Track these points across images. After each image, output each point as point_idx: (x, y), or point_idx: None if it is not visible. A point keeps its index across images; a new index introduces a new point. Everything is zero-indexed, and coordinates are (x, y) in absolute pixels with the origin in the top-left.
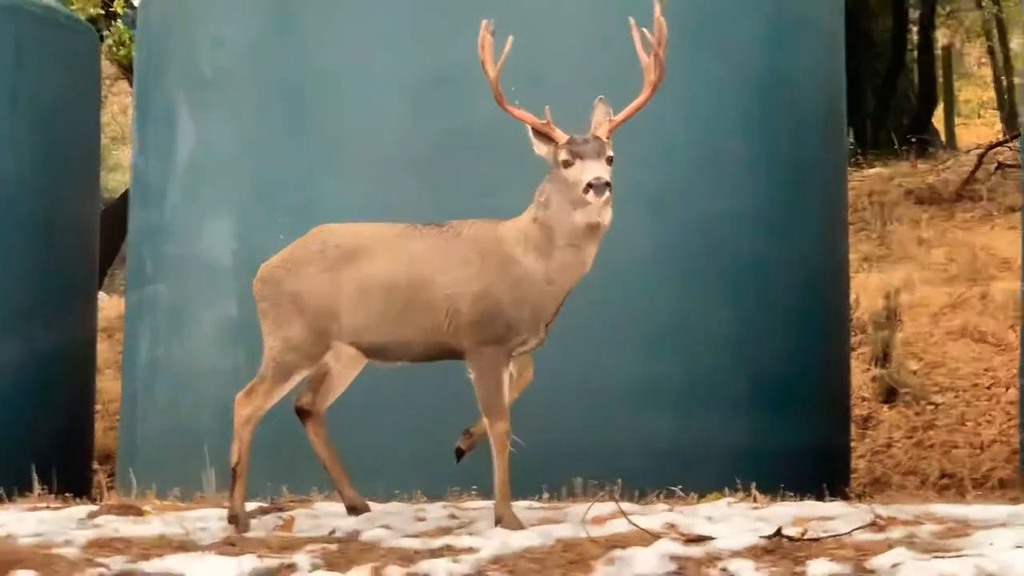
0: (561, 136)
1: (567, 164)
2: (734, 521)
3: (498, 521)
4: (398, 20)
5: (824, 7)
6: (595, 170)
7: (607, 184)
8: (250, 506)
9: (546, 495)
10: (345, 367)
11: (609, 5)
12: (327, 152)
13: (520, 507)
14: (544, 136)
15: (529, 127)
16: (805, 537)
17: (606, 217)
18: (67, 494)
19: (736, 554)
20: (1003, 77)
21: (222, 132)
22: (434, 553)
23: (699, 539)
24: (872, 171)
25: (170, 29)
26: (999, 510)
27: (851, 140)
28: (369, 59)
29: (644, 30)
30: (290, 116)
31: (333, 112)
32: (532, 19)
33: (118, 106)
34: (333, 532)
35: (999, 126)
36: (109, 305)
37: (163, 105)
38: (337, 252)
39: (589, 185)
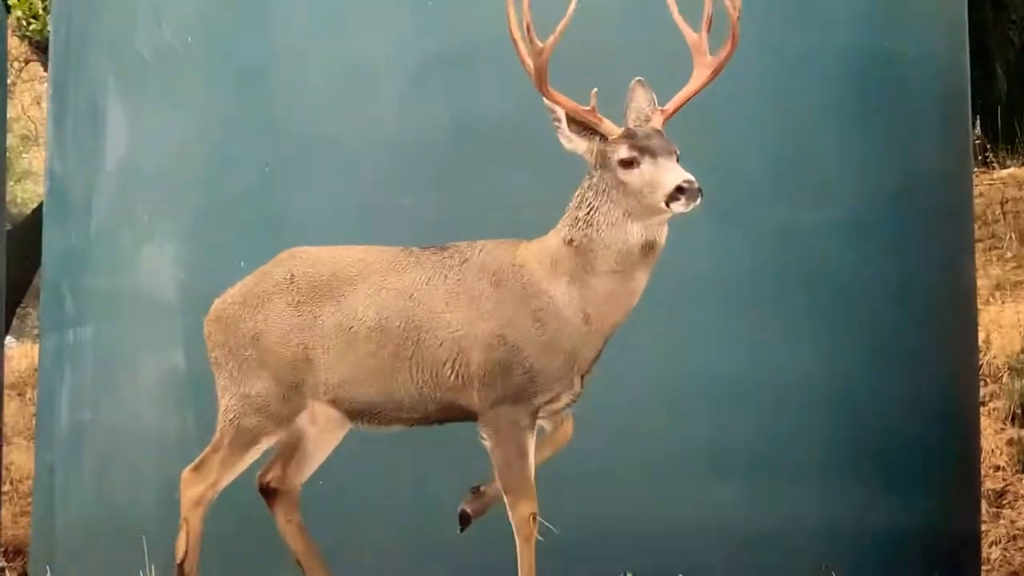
0: (612, 127)
1: (629, 164)
2: None
3: None
4: None
5: None
6: (681, 171)
7: (700, 190)
8: None
9: None
10: (323, 432)
11: None
12: (298, 153)
13: None
14: (585, 128)
15: (564, 115)
16: None
17: (663, 235)
18: None
19: None
20: None
21: (164, 129)
22: None
23: None
24: (1005, 172)
25: None
26: None
27: (977, 133)
28: (352, 34)
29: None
30: (251, 108)
31: (306, 102)
32: None
33: (29, 96)
34: None
35: None
36: (18, 354)
37: (87, 95)
38: (311, 283)
39: (679, 189)
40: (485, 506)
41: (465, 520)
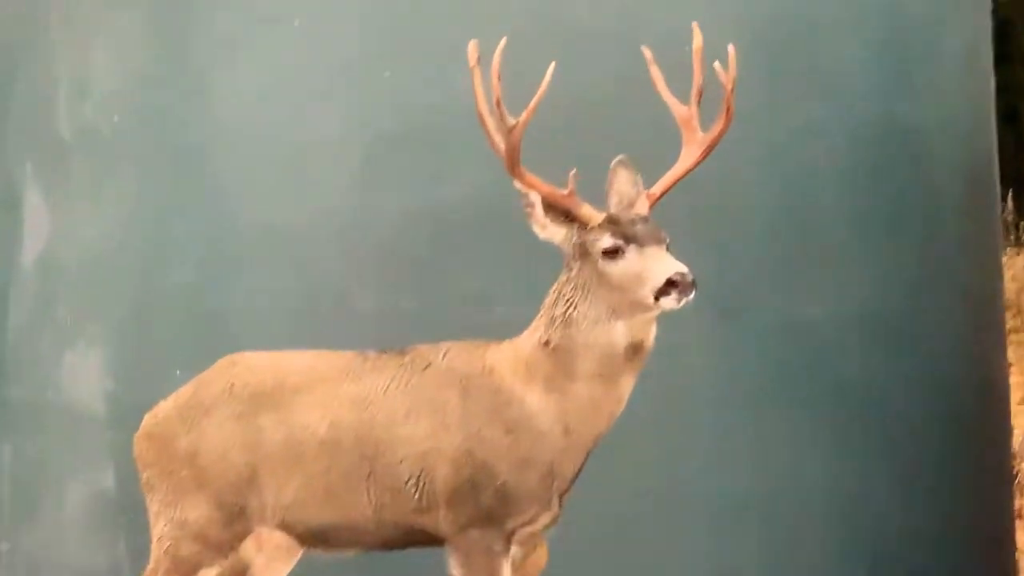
0: (593, 213)
1: (613, 254)
2: None
3: None
4: (344, 50)
5: (962, 24)
6: (672, 262)
7: (694, 283)
8: None
9: None
10: (271, 560)
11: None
12: (241, 246)
13: None
14: (563, 214)
15: (538, 200)
16: None
17: (651, 335)
18: None
19: None
20: None
21: (89, 219)
22: None
23: None
24: None
25: (9, 70)
26: None
27: (1010, 208)
28: (300, 110)
29: (718, 65)
30: (187, 194)
31: (249, 188)
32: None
33: None
34: None
35: None
36: None
37: (2, 181)
38: (255, 394)
39: (671, 283)
40: None
41: None
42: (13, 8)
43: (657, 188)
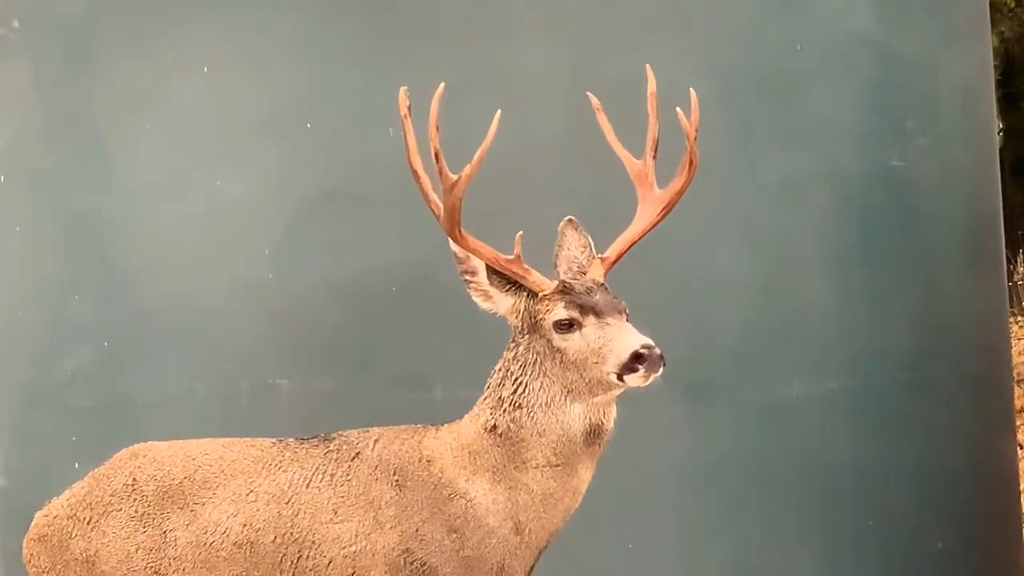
0: (543, 281)
1: (567, 327)
2: None
3: None
4: (258, 99)
5: (961, 59)
6: (636, 334)
7: (662, 357)
8: None
9: None
10: None
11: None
12: (144, 324)
13: None
14: (509, 282)
15: (482, 267)
16: None
17: (611, 417)
18: None
19: None
20: None
21: None
22: None
23: None
24: None
25: None
26: None
27: (1018, 270)
28: (213, 172)
29: (680, 112)
30: (85, 267)
31: (155, 259)
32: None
33: None
34: None
35: None
36: None
37: None
38: (159, 489)
39: (636, 358)
40: None
41: None
42: None
43: (612, 252)
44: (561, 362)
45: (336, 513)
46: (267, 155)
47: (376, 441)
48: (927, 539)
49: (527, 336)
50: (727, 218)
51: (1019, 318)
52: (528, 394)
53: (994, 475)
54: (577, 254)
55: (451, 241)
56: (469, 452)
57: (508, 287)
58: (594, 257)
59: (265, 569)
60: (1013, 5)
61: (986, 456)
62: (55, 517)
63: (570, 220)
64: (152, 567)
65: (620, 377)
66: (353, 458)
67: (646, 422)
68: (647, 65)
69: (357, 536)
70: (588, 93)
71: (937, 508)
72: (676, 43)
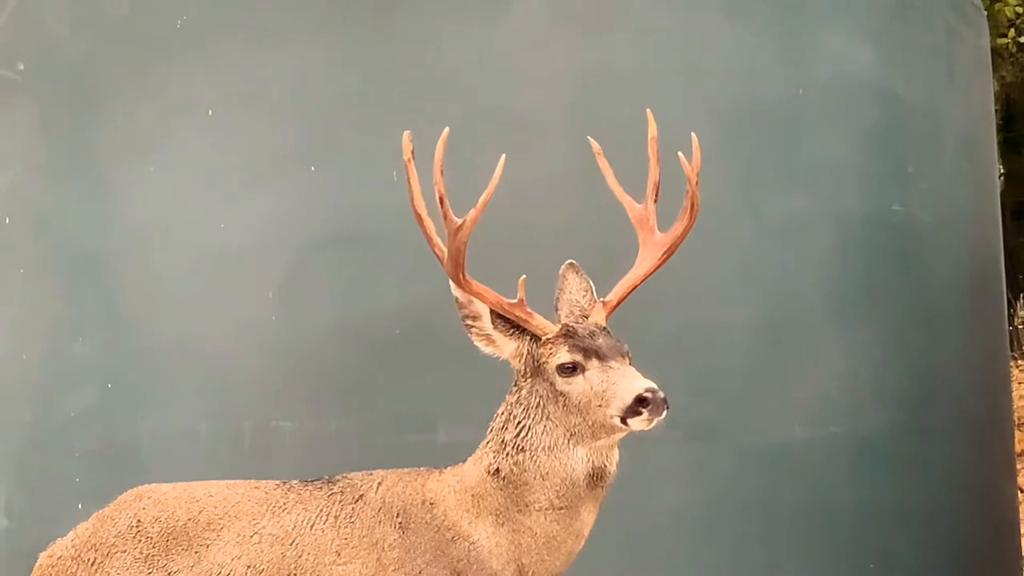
0: (546, 325)
1: (571, 370)
2: None
3: None
4: (263, 142)
5: (963, 104)
6: (640, 378)
7: (665, 401)
8: None
9: None
10: None
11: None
12: (148, 366)
13: None
14: (512, 326)
15: (486, 311)
16: None
17: (614, 460)
18: None
19: None
20: None
21: None
22: None
23: None
24: None
25: None
26: None
27: (1019, 315)
28: (216, 214)
29: (682, 156)
30: (89, 307)
31: (159, 300)
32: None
33: None
34: None
35: None
36: None
37: None
38: (164, 531)
39: (640, 401)
40: None
41: None
42: None
43: (613, 296)
44: (564, 406)
45: (340, 555)
46: (271, 197)
47: (380, 484)
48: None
49: (530, 380)
50: (729, 261)
51: (1019, 361)
52: (531, 437)
53: (994, 518)
54: (579, 298)
55: (453, 286)
56: (472, 495)
57: (511, 331)
58: (595, 301)
59: None
60: (1015, 50)
61: (986, 499)
62: (59, 558)
63: (571, 264)
64: None
65: (624, 421)
66: (357, 500)
67: (647, 464)
68: (648, 109)
69: None
70: (589, 138)
71: (937, 551)
72: (678, 87)
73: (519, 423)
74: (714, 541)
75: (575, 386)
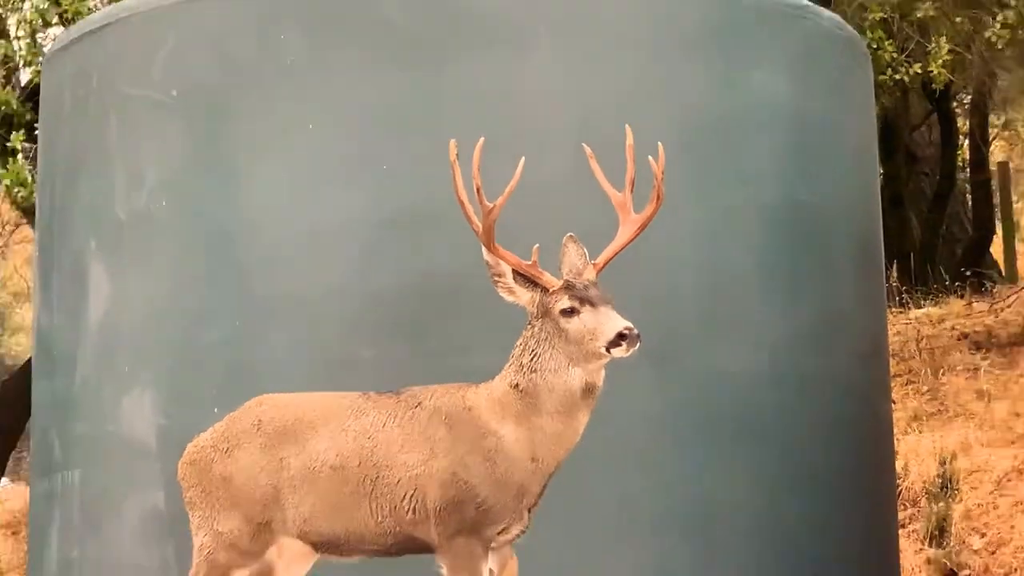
0: (552, 280)
1: (570, 313)
2: None
3: None
4: (344, 155)
5: (853, 123)
6: (620, 319)
7: (639, 336)
8: None
9: None
10: (291, 564)
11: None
12: (266, 308)
13: None
14: (527, 281)
15: (509, 270)
16: None
17: (601, 378)
18: None
19: None
20: None
21: (142, 286)
22: None
23: None
24: (920, 312)
25: (78, 165)
26: None
27: (893, 276)
28: (311, 200)
29: (651, 159)
30: (222, 266)
31: (272, 261)
32: (500, 146)
33: (21, 257)
34: None
35: None
36: (13, 495)
37: (70, 255)
38: (277, 428)
39: (620, 335)
40: None
41: None
42: (80, 117)
43: (600, 259)
44: (565, 339)
45: (403, 446)
46: (355, 188)
47: (432, 394)
48: (827, 466)
49: (540, 320)
50: (683, 236)
51: (892, 309)
52: (541, 362)
53: (876, 422)
54: (576, 260)
55: (485, 252)
56: (499, 403)
57: (527, 285)
58: (588, 263)
59: (352, 486)
60: (890, 84)
61: (870, 408)
62: (201, 447)
63: (571, 236)
64: (271, 484)
65: (608, 350)
66: (416, 406)
67: (620, 384)
68: (627, 125)
69: (418, 463)
70: (584, 145)
71: (836, 445)
72: (649, 109)
73: (532, 351)
74: (667, 438)
75: (573, 325)
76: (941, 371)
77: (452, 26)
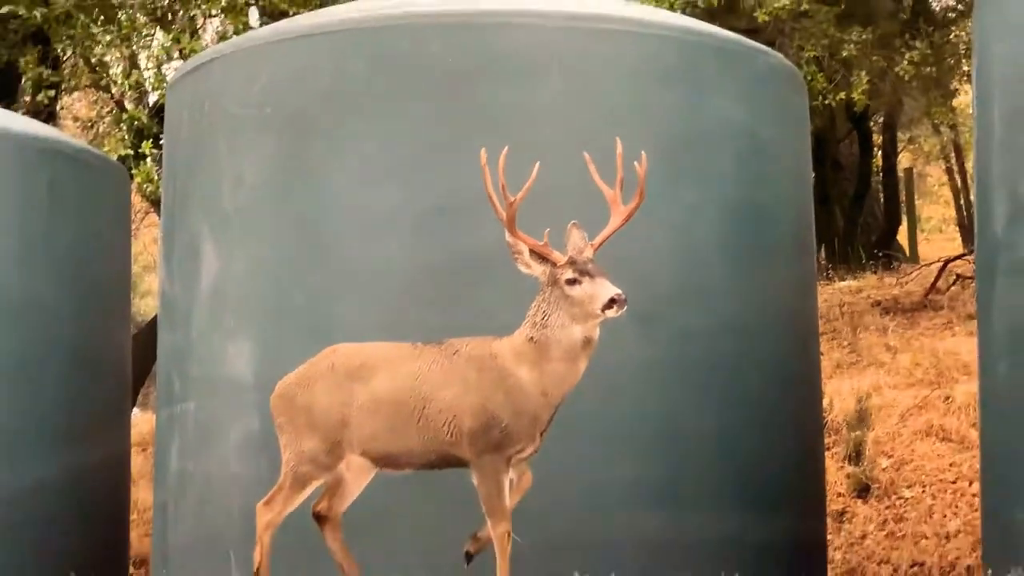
0: (559, 257)
1: (573, 282)
2: None
3: None
4: (400, 158)
5: (793, 138)
6: (612, 287)
7: (626, 300)
8: None
9: None
10: (357, 475)
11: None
12: (338, 278)
13: None
14: (540, 257)
15: (527, 249)
16: None
17: (597, 333)
18: None
19: None
20: (961, 196)
21: (242, 261)
22: None
23: None
24: (842, 284)
25: (194, 168)
26: None
27: (822, 256)
28: (373, 194)
29: (636, 164)
30: (304, 246)
31: (342, 242)
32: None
33: (149, 237)
34: None
35: (959, 240)
36: (142, 421)
37: (188, 236)
38: (347, 370)
39: (612, 300)
40: (482, 546)
41: (469, 557)
42: (195, 130)
43: (596, 241)
44: (569, 303)
45: (443, 385)
46: (406, 183)
47: (467, 345)
48: (771, 401)
49: (549, 288)
50: (660, 222)
51: (821, 282)
52: (550, 320)
53: (808, 367)
54: (578, 242)
55: (507, 234)
56: (518, 352)
57: (540, 260)
58: (587, 244)
59: (405, 415)
60: (821, 108)
61: (803, 357)
62: (288, 384)
63: (574, 223)
64: (342, 413)
65: (603, 311)
66: (454, 354)
67: (611, 337)
68: (617, 138)
69: (455, 398)
70: (585, 153)
71: (778, 385)
72: (636, 126)
73: (544, 312)
74: (649, 378)
75: (575, 291)
76: (858, 330)
77: (483, 61)
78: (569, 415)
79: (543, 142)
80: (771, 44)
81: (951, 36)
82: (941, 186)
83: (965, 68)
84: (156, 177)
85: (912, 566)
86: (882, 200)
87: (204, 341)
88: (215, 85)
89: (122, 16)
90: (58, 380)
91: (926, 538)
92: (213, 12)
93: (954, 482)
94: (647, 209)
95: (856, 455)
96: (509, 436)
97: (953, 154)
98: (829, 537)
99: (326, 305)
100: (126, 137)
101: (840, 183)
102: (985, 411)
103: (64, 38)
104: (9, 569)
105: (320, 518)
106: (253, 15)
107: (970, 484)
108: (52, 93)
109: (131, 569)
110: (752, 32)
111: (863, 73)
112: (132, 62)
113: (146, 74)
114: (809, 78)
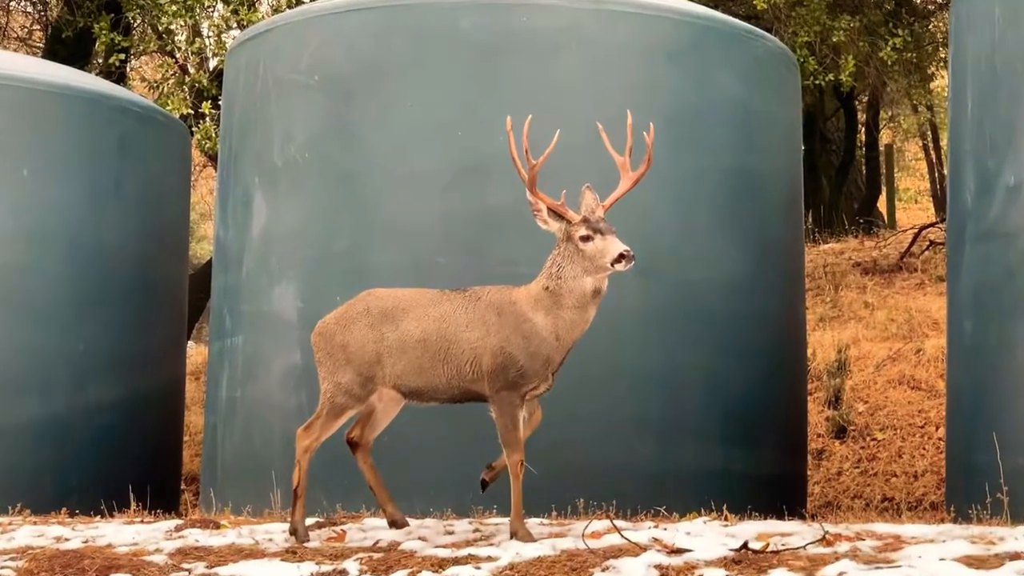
0: (574, 215)
1: (586, 239)
2: (708, 536)
3: (513, 535)
4: (435, 120)
5: (786, 113)
6: (621, 244)
7: (634, 256)
8: (309, 521)
9: (554, 513)
10: (387, 406)
11: (598, 110)
12: (376, 228)
13: (532, 523)
14: (557, 215)
15: (545, 207)
16: (767, 550)
17: (605, 284)
18: (158, 510)
19: (709, 564)
20: (935, 170)
21: (289, 211)
22: (460, 561)
23: (679, 551)
24: (826, 247)
25: (247, 127)
26: (929, 529)
27: (809, 221)
28: (409, 154)
29: (644, 134)
30: (345, 198)
31: (381, 195)
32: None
33: (205, 188)
34: (377, 543)
35: (932, 210)
36: (196, 353)
37: (241, 188)
38: (380, 312)
39: (621, 256)
40: (496, 475)
41: (484, 485)
42: (250, 93)
43: (607, 202)
44: (582, 256)
45: (467, 327)
46: (439, 146)
47: (488, 291)
48: (760, 350)
49: (564, 243)
50: (664, 186)
51: (808, 244)
52: (564, 272)
53: (794, 320)
54: (591, 202)
55: (528, 193)
56: (535, 299)
57: (556, 218)
58: (599, 204)
59: (431, 354)
60: (813, 88)
61: (790, 311)
62: (327, 323)
63: (588, 186)
64: (375, 350)
65: (612, 265)
66: (477, 300)
67: (617, 289)
68: (628, 110)
69: (477, 339)
70: (598, 123)
71: (765, 335)
72: (646, 100)
73: (559, 264)
74: (650, 327)
75: (588, 247)
76: (840, 288)
77: (509, 38)
78: (579, 358)
79: (562, 112)
80: (768, 29)
81: (930, 26)
82: (917, 160)
83: (942, 55)
84: (214, 134)
85: (883, 500)
86: (864, 172)
87: (253, 282)
88: (269, 53)
89: None
90: (124, 313)
91: (896, 476)
92: None
93: (922, 427)
94: (653, 175)
95: (835, 400)
96: (524, 375)
97: (929, 132)
98: (808, 473)
99: (363, 252)
100: (188, 97)
101: (827, 155)
102: (951, 363)
103: (135, 7)
104: (75, 479)
105: (353, 444)
106: None
107: (937, 429)
108: (123, 56)
109: (181, 486)
110: (751, 18)
111: (850, 57)
112: (195, 30)
113: (207, 41)
114: (802, 61)
